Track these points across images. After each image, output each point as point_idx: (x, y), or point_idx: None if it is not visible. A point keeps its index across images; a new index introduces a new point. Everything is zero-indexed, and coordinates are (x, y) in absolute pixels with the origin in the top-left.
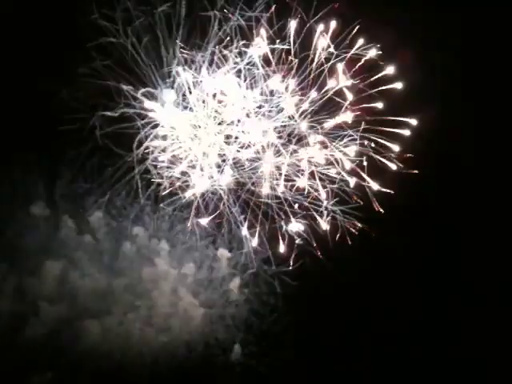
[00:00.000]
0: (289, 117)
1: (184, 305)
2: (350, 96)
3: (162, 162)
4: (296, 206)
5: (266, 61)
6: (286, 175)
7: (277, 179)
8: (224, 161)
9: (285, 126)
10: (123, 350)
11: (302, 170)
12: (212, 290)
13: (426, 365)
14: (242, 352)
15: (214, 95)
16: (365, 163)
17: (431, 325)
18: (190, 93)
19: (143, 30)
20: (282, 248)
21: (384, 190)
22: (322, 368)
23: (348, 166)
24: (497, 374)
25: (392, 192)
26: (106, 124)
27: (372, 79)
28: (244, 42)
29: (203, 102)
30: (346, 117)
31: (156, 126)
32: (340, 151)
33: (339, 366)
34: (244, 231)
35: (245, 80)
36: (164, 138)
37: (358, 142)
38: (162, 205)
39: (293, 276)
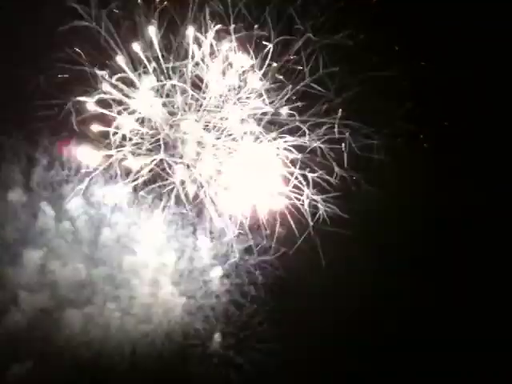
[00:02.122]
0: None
1: (164, 295)
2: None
3: (140, 149)
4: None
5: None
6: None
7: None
8: (203, 148)
9: (264, 113)
10: (103, 340)
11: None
12: (192, 280)
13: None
14: (220, 343)
15: (192, 82)
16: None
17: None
18: (170, 78)
19: (120, 15)
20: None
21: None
22: (301, 360)
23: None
24: None
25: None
26: (82, 110)
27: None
28: (221, 26)
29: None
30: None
31: (133, 112)
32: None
33: (320, 358)
34: (225, 220)
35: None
36: (141, 124)
37: (336, 129)
38: (141, 192)
39: (275, 266)
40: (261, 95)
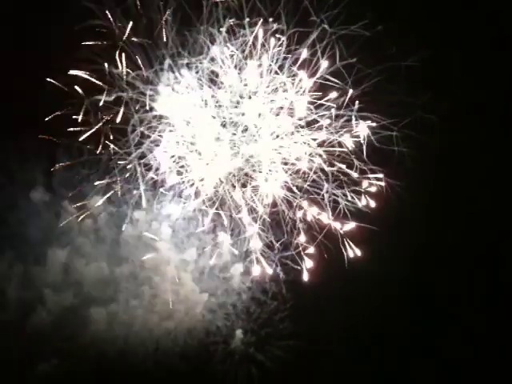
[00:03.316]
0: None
1: (185, 292)
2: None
3: (158, 146)
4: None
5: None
6: (284, 158)
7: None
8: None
9: (282, 107)
10: (126, 337)
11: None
12: (213, 277)
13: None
14: (241, 340)
15: (211, 78)
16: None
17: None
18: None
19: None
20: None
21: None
22: (321, 358)
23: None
24: None
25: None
26: (101, 109)
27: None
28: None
29: (199, 84)
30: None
31: (151, 109)
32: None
33: (339, 356)
34: (245, 216)
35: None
36: (159, 121)
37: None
38: (161, 190)
39: (295, 262)
40: (276, 89)
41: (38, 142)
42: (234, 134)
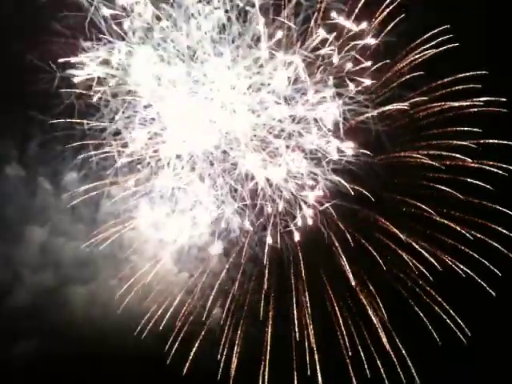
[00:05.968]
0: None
1: (164, 272)
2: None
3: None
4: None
5: None
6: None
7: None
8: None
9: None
10: (105, 318)
11: None
12: (191, 257)
13: None
14: (219, 320)
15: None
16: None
17: None
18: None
19: None
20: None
21: None
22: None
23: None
24: None
25: None
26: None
27: None
28: None
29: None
30: None
31: (124, 84)
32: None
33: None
34: (224, 195)
35: None
36: (134, 97)
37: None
38: (137, 166)
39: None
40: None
41: (12, 118)
42: (210, 111)
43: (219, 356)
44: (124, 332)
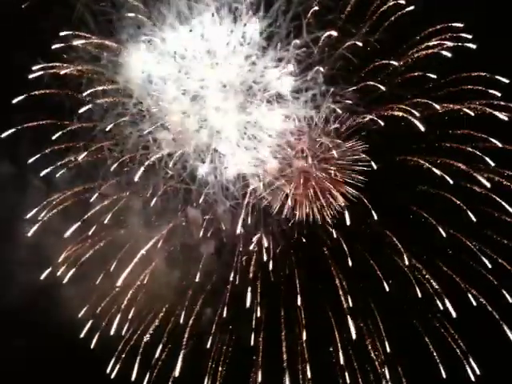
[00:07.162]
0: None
1: (155, 271)
2: None
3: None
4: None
5: None
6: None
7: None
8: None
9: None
10: (97, 316)
11: None
12: (184, 255)
13: None
14: (211, 319)
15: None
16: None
17: None
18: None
19: None
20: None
21: None
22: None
23: None
24: None
25: None
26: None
27: None
28: None
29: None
30: None
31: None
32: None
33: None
34: (216, 193)
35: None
36: (124, 95)
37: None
38: (130, 163)
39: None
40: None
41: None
42: (201, 108)
43: None
44: (116, 330)
